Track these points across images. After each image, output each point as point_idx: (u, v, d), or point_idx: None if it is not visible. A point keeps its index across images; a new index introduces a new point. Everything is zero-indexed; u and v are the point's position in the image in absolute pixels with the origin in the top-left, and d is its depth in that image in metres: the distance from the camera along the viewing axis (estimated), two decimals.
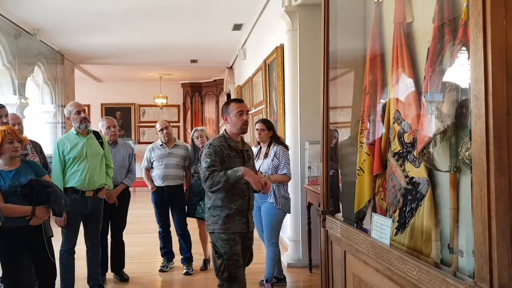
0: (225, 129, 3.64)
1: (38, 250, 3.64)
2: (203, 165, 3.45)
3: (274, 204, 4.56)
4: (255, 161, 4.68)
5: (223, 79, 13.64)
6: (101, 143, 4.55)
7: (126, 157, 5.16)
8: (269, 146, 4.70)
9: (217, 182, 3.35)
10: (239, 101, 3.73)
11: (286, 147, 4.74)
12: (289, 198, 4.74)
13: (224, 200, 3.47)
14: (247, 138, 7.87)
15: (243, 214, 3.54)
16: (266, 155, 4.67)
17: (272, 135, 4.72)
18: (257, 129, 4.74)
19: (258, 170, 4.57)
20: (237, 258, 3.48)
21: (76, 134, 4.40)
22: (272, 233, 4.65)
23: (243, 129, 3.56)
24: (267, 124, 4.76)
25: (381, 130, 2.75)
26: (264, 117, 7.39)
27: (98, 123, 5.37)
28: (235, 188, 3.45)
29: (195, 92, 15.23)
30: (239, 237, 3.52)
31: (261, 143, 4.81)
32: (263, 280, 4.86)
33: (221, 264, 3.45)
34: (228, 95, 12.50)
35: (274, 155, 4.57)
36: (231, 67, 12.20)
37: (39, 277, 3.77)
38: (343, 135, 3.63)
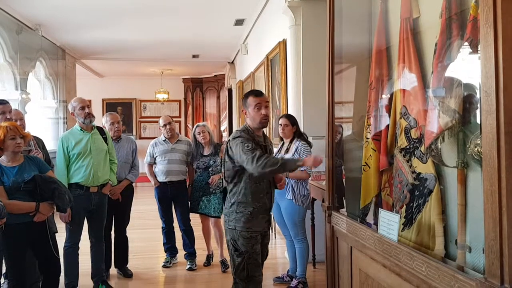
0: (246, 122, 3.46)
1: (42, 246, 3.63)
2: (245, 149, 3.19)
3: (293, 201, 4.49)
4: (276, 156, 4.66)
5: (224, 74, 13.63)
6: (105, 139, 4.53)
7: (129, 152, 5.15)
8: (291, 141, 4.61)
9: (273, 162, 3.11)
10: (258, 93, 3.42)
11: (309, 143, 4.64)
12: (308, 195, 4.66)
13: (250, 196, 3.33)
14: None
15: (266, 212, 3.44)
16: (287, 150, 4.59)
17: (295, 130, 4.64)
18: (280, 125, 4.64)
19: None
20: (256, 257, 3.38)
21: (80, 129, 4.39)
22: (297, 229, 4.58)
23: (263, 124, 3.36)
24: (291, 120, 4.66)
25: (387, 125, 2.74)
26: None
27: (101, 119, 5.36)
28: (261, 184, 3.36)
29: (196, 87, 15.21)
30: (260, 235, 3.43)
31: (284, 139, 4.71)
32: (281, 277, 4.89)
33: (241, 262, 3.33)
34: (230, 90, 12.50)
35: (295, 151, 4.49)
36: (232, 62, 12.18)
37: (43, 273, 3.77)
38: (347, 130, 3.62)
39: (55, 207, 3.67)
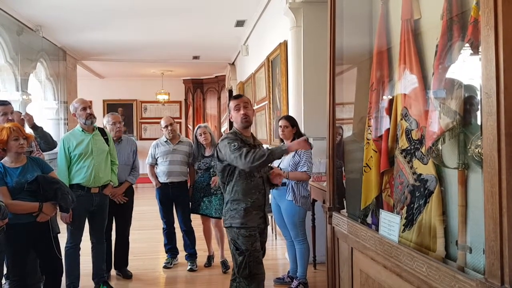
0: (234, 127, 3.66)
1: (45, 247, 3.64)
2: (232, 148, 3.33)
3: (294, 202, 4.50)
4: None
5: (224, 75, 13.64)
6: (106, 140, 4.54)
7: (130, 154, 5.14)
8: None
9: (261, 155, 3.25)
10: (236, 96, 3.67)
11: (310, 144, 4.66)
12: (309, 196, 4.66)
13: (242, 193, 3.44)
14: (262, 134, 7.91)
15: (260, 209, 3.52)
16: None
17: (295, 132, 4.65)
18: (280, 126, 4.66)
19: (278, 166, 4.56)
20: (257, 254, 3.46)
21: (82, 130, 4.40)
22: (297, 230, 4.58)
23: (244, 123, 3.52)
24: (291, 121, 4.68)
25: (388, 126, 2.75)
26: (267, 113, 7.40)
27: (102, 120, 5.36)
28: (252, 181, 3.46)
29: (197, 88, 15.22)
30: (258, 233, 3.50)
31: (284, 140, 4.71)
32: (281, 278, 4.90)
33: (243, 261, 3.39)
34: (230, 91, 12.51)
35: (296, 152, 4.49)
36: (233, 63, 12.19)
37: (45, 274, 3.78)
38: (347, 131, 3.63)
39: (58, 208, 3.69)
